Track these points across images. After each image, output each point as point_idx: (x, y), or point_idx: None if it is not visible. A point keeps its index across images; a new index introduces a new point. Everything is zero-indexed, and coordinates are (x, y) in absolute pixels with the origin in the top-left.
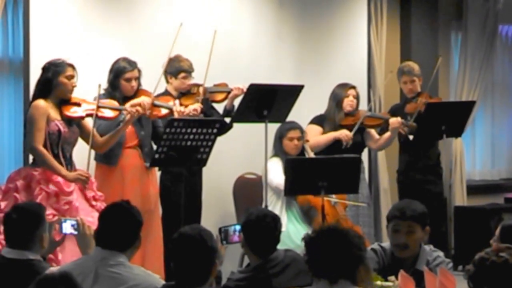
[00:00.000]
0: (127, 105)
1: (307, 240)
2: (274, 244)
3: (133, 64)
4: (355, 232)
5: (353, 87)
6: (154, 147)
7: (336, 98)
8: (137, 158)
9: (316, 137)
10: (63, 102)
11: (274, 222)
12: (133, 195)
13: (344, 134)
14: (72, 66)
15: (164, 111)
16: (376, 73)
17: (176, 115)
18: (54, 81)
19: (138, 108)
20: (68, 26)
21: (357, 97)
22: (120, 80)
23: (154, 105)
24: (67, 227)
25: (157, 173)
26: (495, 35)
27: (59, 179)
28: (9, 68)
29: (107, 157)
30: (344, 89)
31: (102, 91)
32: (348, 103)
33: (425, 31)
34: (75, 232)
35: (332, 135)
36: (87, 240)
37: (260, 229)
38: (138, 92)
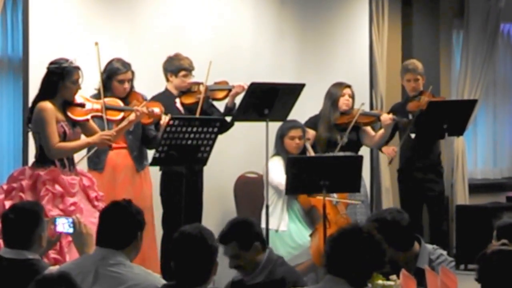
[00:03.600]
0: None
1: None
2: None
3: (126, 66)
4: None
5: (349, 86)
6: (150, 152)
7: (332, 98)
8: (127, 158)
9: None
10: (67, 102)
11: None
12: (126, 196)
13: None
14: (78, 68)
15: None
16: (378, 71)
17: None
18: (60, 85)
19: (144, 109)
20: (67, 24)
21: (352, 96)
22: (113, 81)
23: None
24: (61, 225)
25: (150, 172)
26: (497, 33)
27: (64, 179)
28: (8, 67)
29: (94, 163)
30: (340, 88)
31: (94, 91)
32: (344, 103)
33: (427, 30)
34: (71, 231)
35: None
36: (83, 238)
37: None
38: (130, 94)
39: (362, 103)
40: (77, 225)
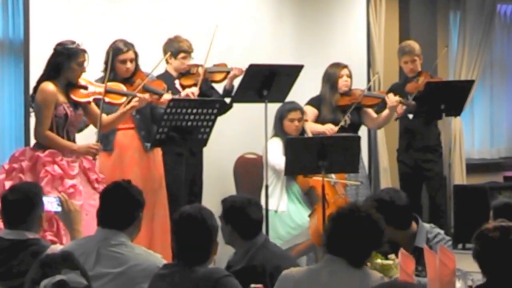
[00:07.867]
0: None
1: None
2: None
3: (128, 45)
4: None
5: (346, 66)
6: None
7: (331, 80)
8: (135, 139)
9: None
10: (70, 84)
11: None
12: (132, 176)
13: (329, 129)
14: (85, 51)
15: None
16: (376, 52)
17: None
18: (65, 66)
19: (147, 96)
20: (68, 7)
21: (350, 76)
22: (115, 61)
23: (144, 89)
24: (50, 204)
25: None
26: (494, 14)
27: (64, 162)
28: (9, 49)
29: (104, 144)
30: (337, 69)
31: (101, 74)
32: (343, 84)
33: (424, 10)
34: (59, 209)
35: (318, 129)
36: (71, 216)
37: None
38: (136, 73)
39: (368, 85)
40: (64, 203)
